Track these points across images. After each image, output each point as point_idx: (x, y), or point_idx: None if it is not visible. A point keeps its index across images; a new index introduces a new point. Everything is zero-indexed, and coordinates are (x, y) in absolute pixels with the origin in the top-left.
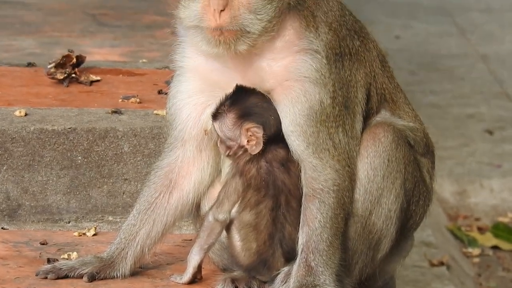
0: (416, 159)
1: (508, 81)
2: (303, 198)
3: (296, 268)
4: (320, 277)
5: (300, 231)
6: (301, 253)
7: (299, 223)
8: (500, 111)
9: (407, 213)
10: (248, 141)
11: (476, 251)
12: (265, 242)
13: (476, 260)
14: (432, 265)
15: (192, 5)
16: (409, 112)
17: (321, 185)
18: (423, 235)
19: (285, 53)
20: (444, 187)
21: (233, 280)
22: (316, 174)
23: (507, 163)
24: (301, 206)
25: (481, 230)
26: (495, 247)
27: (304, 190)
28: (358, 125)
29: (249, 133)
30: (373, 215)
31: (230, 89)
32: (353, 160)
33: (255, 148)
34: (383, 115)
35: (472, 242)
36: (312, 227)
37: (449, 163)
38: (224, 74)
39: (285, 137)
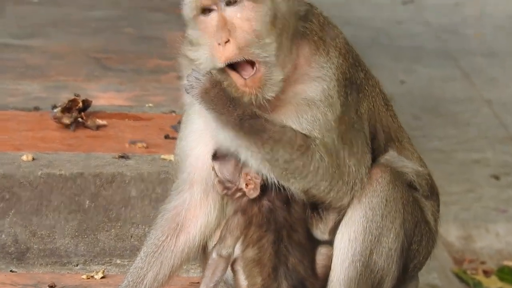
0: (417, 200)
1: None
2: None
3: None
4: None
5: None
6: None
7: (303, 255)
8: (506, 157)
9: (409, 252)
10: (246, 184)
11: None
12: (269, 275)
13: None
14: None
15: (200, 50)
16: (414, 153)
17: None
18: (429, 278)
19: (297, 77)
20: (449, 232)
21: None
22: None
23: None
24: (303, 241)
25: (486, 273)
26: None
27: None
28: (368, 157)
29: (248, 177)
30: (374, 254)
31: None
32: (355, 181)
33: (252, 192)
34: (391, 154)
35: (478, 286)
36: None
37: (455, 208)
38: None
39: None
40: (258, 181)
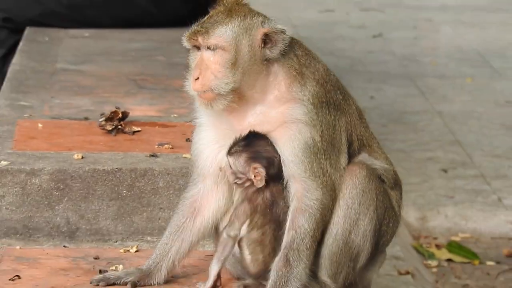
0: (386, 191)
1: (458, 132)
2: (292, 211)
3: (277, 260)
4: (294, 270)
5: (286, 234)
6: (283, 249)
7: None
8: (453, 155)
9: (380, 233)
10: (254, 176)
11: (434, 263)
12: (269, 253)
13: (434, 270)
14: (400, 274)
15: (189, 76)
16: (382, 155)
17: (312, 202)
18: (393, 251)
19: (278, 104)
20: (409, 214)
21: (245, 286)
22: (309, 193)
23: (458, 195)
24: None
25: (438, 246)
26: (449, 260)
27: (295, 204)
28: (343, 161)
29: (256, 171)
30: (352, 234)
31: (235, 134)
32: (336, 187)
33: (259, 183)
34: (363, 156)
35: (431, 256)
36: (298, 232)
37: (413, 195)
38: (231, 125)
39: (284, 165)
40: (264, 174)
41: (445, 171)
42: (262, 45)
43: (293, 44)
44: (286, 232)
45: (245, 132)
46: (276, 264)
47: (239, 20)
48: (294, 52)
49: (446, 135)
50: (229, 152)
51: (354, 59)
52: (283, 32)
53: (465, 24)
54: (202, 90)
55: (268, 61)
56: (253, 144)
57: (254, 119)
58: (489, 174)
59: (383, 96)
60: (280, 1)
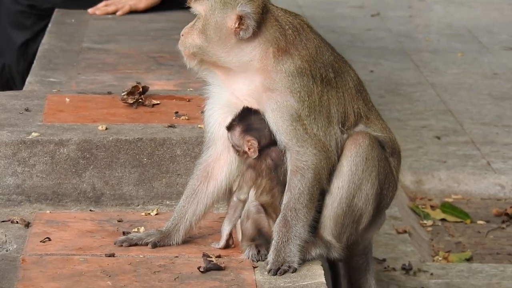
0: (386, 157)
1: (449, 101)
2: (288, 173)
3: (277, 222)
4: (293, 228)
5: (284, 196)
6: (282, 211)
7: None
8: (445, 123)
9: (380, 196)
10: (248, 148)
11: (429, 222)
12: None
13: (429, 229)
14: (398, 232)
15: None
16: (380, 125)
17: (303, 164)
18: (392, 211)
19: (256, 75)
20: (405, 178)
21: (256, 246)
22: (299, 156)
23: (450, 160)
24: None
25: (432, 207)
26: (443, 220)
27: (290, 167)
28: (333, 130)
29: (249, 143)
30: (355, 198)
31: (237, 101)
32: (329, 147)
33: (253, 154)
34: (360, 127)
35: (426, 216)
36: (293, 192)
37: (409, 160)
38: (230, 93)
39: (274, 135)
40: (256, 145)
41: (438, 138)
42: (236, 26)
43: (284, 24)
44: (284, 193)
45: (240, 108)
46: (277, 225)
47: None
48: (283, 32)
49: (438, 105)
50: (227, 127)
51: (354, 36)
52: (250, 17)
53: (455, 3)
54: (181, 46)
55: (250, 38)
56: (246, 118)
57: (244, 88)
58: (478, 140)
59: (381, 69)
60: None
